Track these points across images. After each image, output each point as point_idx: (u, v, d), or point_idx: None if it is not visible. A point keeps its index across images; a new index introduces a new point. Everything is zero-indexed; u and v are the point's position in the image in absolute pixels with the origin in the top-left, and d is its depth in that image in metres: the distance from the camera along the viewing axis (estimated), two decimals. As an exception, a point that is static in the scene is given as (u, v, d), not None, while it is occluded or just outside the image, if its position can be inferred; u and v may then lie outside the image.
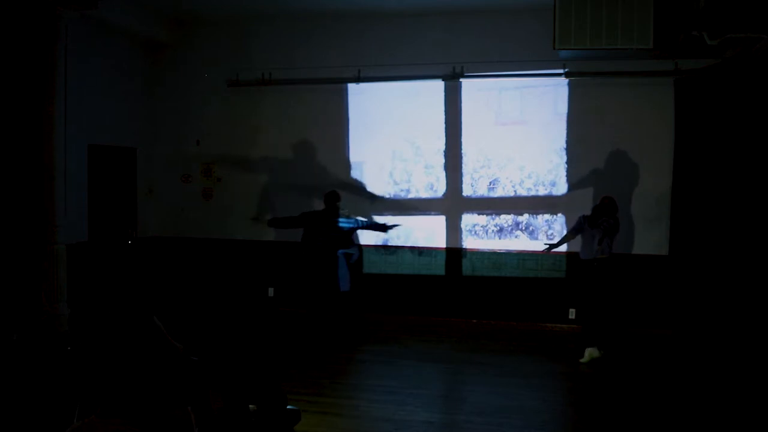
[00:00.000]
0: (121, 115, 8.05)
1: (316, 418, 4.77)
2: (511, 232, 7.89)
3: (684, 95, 7.25)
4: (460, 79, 7.76)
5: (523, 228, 7.86)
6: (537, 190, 7.77)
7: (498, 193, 7.88)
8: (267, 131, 8.41)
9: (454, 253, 7.99)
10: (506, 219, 7.89)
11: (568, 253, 7.59)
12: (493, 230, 7.94)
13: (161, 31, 8.36)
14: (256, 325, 7.84)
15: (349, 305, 7.23)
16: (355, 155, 8.19)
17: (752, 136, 6.32)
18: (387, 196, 8.12)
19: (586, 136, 7.58)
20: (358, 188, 8.09)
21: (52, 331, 5.92)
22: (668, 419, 4.94)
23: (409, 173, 8.09)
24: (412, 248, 8.10)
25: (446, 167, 7.97)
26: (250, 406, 4.27)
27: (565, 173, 7.68)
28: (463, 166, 7.93)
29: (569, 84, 7.57)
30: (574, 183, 7.64)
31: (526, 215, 7.83)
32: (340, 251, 7.09)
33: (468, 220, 7.97)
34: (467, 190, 7.95)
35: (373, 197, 8.04)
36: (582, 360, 6.38)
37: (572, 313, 7.61)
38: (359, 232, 7.71)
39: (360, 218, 7.35)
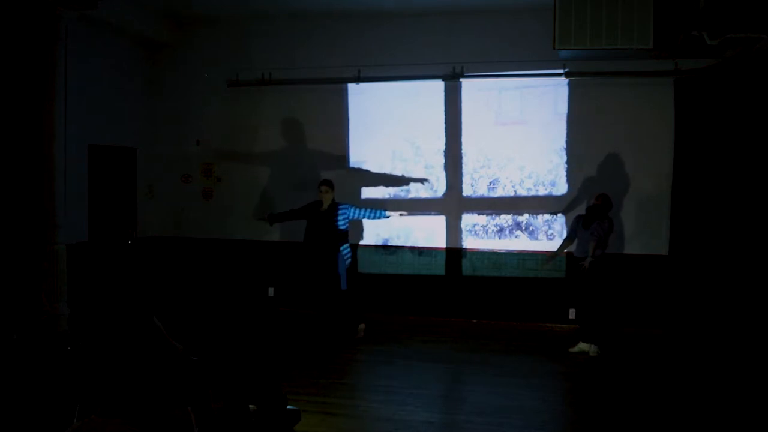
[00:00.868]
0: (121, 115, 8.05)
1: (316, 418, 4.77)
2: (511, 232, 7.89)
3: (684, 95, 7.25)
4: (460, 79, 7.77)
5: (523, 228, 7.86)
6: (537, 190, 7.77)
7: (498, 193, 7.88)
8: (267, 131, 8.41)
9: (454, 253, 7.99)
10: (506, 219, 7.89)
11: (568, 253, 7.58)
12: (493, 230, 7.94)
13: (161, 31, 8.36)
14: (256, 325, 7.84)
15: (351, 304, 7.21)
16: (355, 155, 8.20)
17: (752, 136, 6.32)
18: (387, 196, 8.13)
19: (586, 136, 7.58)
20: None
21: (52, 331, 5.92)
22: (668, 419, 4.94)
23: (409, 173, 8.08)
24: (412, 248, 8.11)
25: (446, 167, 7.97)
26: (250, 406, 4.27)
27: (565, 173, 7.68)
28: (463, 166, 7.93)
29: (569, 84, 7.57)
30: (574, 183, 7.64)
31: (526, 215, 7.83)
32: (342, 248, 7.06)
33: (468, 220, 7.97)
34: (467, 190, 7.95)
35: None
36: (571, 349, 6.63)
37: (572, 313, 7.61)
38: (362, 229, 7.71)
39: (359, 209, 7.21)
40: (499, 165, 7.85)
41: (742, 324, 6.28)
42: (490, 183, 7.90)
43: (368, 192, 8.19)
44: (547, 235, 7.76)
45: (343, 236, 7.08)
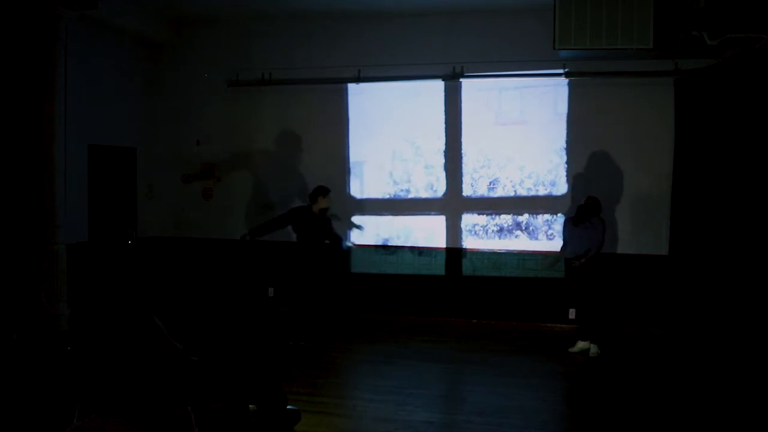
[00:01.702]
0: (121, 115, 8.05)
1: (316, 418, 4.77)
2: (511, 232, 7.89)
3: (684, 95, 7.25)
4: (460, 79, 7.77)
5: (523, 228, 7.86)
6: (537, 190, 7.77)
7: (498, 193, 7.88)
8: (267, 131, 8.41)
9: (454, 253, 7.99)
10: (506, 219, 7.89)
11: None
12: (493, 230, 7.94)
13: (161, 31, 8.37)
14: (256, 325, 7.83)
15: (338, 303, 7.24)
16: (355, 155, 8.20)
17: (752, 136, 6.32)
18: (387, 196, 8.13)
19: (586, 136, 7.58)
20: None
21: (52, 331, 5.92)
22: (668, 419, 4.94)
23: (409, 173, 8.09)
24: (412, 248, 8.10)
25: (446, 167, 7.97)
26: (250, 406, 4.27)
27: (565, 173, 7.68)
28: (463, 166, 7.93)
29: (569, 84, 7.57)
30: (574, 183, 7.64)
31: (526, 215, 7.83)
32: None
33: (468, 220, 7.97)
34: (467, 190, 7.95)
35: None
36: (572, 349, 6.67)
37: (572, 313, 7.61)
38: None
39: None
40: (499, 165, 7.85)
41: (742, 324, 6.28)
42: (490, 183, 7.90)
43: (368, 192, 8.20)
44: (547, 235, 7.76)
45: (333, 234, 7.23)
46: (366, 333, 7.44)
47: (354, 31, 8.03)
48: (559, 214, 7.68)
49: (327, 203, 7.04)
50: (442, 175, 8.00)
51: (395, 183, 8.13)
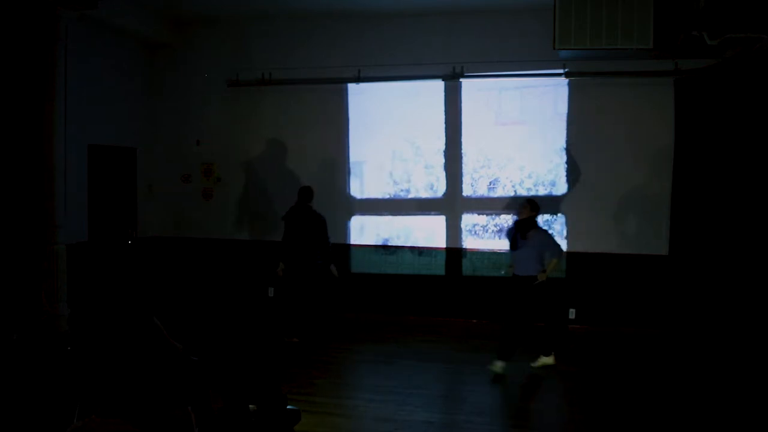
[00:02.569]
0: (121, 115, 8.05)
1: (316, 418, 4.77)
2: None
3: (684, 95, 7.25)
4: (460, 79, 7.77)
5: (523, 228, 7.84)
6: (537, 190, 7.76)
7: (498, 193, 7.88)
8: (267, 131, 8.41)
9: (454, 253, 7.99)
10: (506, 219, 7.89)
11: (568, 253, 7.59)
12: (493, 230, 7.94)
13: (161, 31, 8.36)
14: (256, 326, 7.83)
15: (336, 303, 7.25)
16: (355, 155, 8.20)
17: (752, 136, 6.32)
18: (387, 196, 8.13)
19: (586, 136, 7.58)
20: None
21: (52, 331, 5.92)
22: (668, 420, 4.94)
23: (409, 173, 8.09)
24: (412, 248, 8.10)
25: (446, 167, 7.97)
26: (250, 406, 4.27)
27: (565, 173, 7.68)
28: (463, 166, 7.93)
29: (569, 84, 7.57)
30: (574, 183, 7.64)
31: (526, 215, 7.82)
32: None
33: (468, 220, 7.96)
34: (467, 190, 7.95)
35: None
36: (534, 365, 6.15)
37: (572, 313, 7.62)
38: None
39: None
40: (499, 165, 7.85)
41: (742, 324, 6.27)
42: (490, 183, 7.90)
43: (368, 192, 8.20)
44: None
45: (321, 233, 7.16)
46: (366, 333, 7.44)
47: (354, 31, 8.03)
48: (559, 214, 7.69)
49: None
50: (442, 175, 8.00)
51: (395, 183, 8.13)
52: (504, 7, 7.49)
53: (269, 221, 8.32)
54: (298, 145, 8.31)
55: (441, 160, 7.99)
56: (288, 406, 4.51)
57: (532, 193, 7.76)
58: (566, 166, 7.67)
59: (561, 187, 7.70)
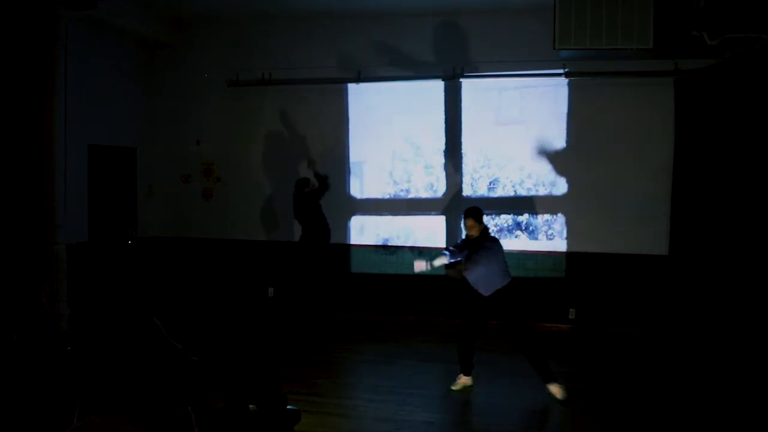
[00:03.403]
0: (121, 115, 8.05)
1: (316, 418, 4.77)
2: (511, 232, 7.89)
3: (684, 95, 7.25)
4: (460, 79, 7.76)
5: (523, 228, 7.85)
6: (537, 190, 7.76)
7: (498, 193, 7.88)
8: (267, 131, 8.41)
9: (454, 253, 7.98)
10: (506, 219, 7.89)
11: (568, 253, 7.60)
12: (493, 230, 7.93)
13: (161, 31, 8.36)
14: (256, 326, 7.83)
15: (335, 302, 7.27)
16: (355, 155, 8.19)
17: (752, 136, 6.32)
18: (387, 196, 8.13)
19: (586, 136, 7.58)
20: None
21: (52, 331, 5.92)
22: (668, 420, 4.94)
23: (409, 173, 8.09)
24: (412, 248, 8.10)
25: (446, 167, 7.97)
26: (250, 406, 4.27)
27: (565, 173, 7.67)
28: (463, 166, 7.93)
29: (569, 84, 7.57)
30: (574, 183, 7.64)
31: (526, 215, 7.83)
32: None
33: (468, 220, 7.95)
34: (467, 190, 7.95)
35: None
36: (454, 387, 5.61)
37: (572, 313, 7.62)
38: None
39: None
40: (499, 165, 7.85)
41: (742, 324, 6.28)
42: (490, 183, 7.90)
43: (368, 192, 8.20)
44: (547, 235, 7.75)
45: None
46: (366, 333, 7.44)
47: (354, 31, 8.03)
48: (559, 214, 7.68)
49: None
50: (442, 175, 8.00)
51: (395, 183, 8.13)
52: (504, 7, 7.49)
53: (269, 221, 8.32)
54: (298, 145, 8.30)
55: (441, 160, 7.99)
56: (288, 406, 4.50)
57: (533, 193, 7.76)
58: (566, 166, 7.67)
59: (561, 187, 7.70)
